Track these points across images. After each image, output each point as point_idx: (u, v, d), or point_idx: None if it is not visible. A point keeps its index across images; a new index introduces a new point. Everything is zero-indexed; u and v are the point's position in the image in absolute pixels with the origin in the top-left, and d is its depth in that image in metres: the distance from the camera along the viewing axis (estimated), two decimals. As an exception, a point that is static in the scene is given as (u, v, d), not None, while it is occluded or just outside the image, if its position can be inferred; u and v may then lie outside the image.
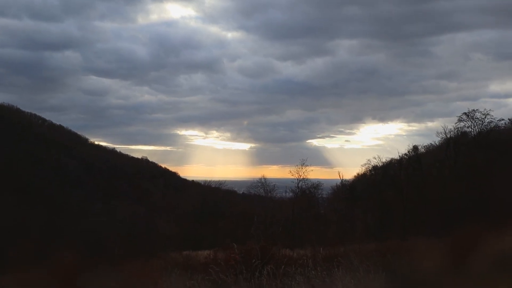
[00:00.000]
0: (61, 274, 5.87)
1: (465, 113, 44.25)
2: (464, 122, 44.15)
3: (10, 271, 6.19)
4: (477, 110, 44.02)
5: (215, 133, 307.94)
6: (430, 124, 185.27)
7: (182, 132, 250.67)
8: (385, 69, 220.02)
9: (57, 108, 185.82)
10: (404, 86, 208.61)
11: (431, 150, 52.88)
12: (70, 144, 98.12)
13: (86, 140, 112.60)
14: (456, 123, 44.59)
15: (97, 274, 6.16)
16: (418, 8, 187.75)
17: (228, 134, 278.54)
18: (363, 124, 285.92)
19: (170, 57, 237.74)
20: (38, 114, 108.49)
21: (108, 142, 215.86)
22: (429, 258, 7.71)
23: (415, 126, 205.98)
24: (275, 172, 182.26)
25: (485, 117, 43.61)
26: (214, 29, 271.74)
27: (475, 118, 43.69)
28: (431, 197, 42.06)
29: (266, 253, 10.75)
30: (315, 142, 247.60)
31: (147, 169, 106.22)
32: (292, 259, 11.66)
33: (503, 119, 45.93)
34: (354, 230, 43.68)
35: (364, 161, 57.23)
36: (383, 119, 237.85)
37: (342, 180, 55.27)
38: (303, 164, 49.74)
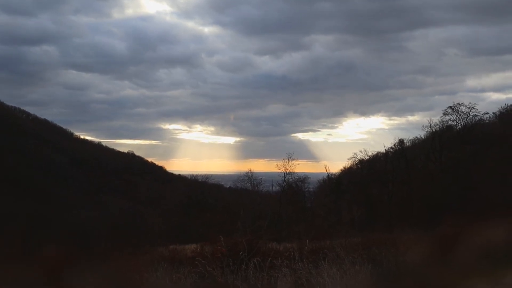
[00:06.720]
0: (48, 268, 5.82)
1: (450, 107, 44.54)
2: (449, 116, 44.46)
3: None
4: (462, 103, 44.35)
5: (198, 127, 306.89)
6: (411, 118, 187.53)
7: (166, 126, 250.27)
8: (362, 64, 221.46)
9: (38, 103, 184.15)
10: (382, 81, 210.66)
11: (417, 144, 53.28)
12: (57, 138, 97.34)
13: (71, 134, 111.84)
14: (441, 116, 44.86)
15: (84, 268, 6.13)
16: (389, 4, 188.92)
17: (212, 128, 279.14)
18: (345, 118, 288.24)
19: (148, 51, 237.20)
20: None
21: (92, 137, 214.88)
22: (414, 250, 7.78)
23: (396, 120, 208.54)
24: (261, 166, 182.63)
25: (470, 110, 43.95)
26: (190, 24, 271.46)
27: (460, 111, 44.02)
28: (417, 190, 42.46)
29: (253, 246, 10.79)
30: (300, 136, 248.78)
31: (133, 163, 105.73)
32: (278, 252, 11.70)
33: (487, 113, 46.38)
34: (341, 223, 43.88)
35: (349, 155, 57.61)
36: (364, 113, 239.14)
37: (328, 173, 55.63)
38: (290, 158, 49.95)
